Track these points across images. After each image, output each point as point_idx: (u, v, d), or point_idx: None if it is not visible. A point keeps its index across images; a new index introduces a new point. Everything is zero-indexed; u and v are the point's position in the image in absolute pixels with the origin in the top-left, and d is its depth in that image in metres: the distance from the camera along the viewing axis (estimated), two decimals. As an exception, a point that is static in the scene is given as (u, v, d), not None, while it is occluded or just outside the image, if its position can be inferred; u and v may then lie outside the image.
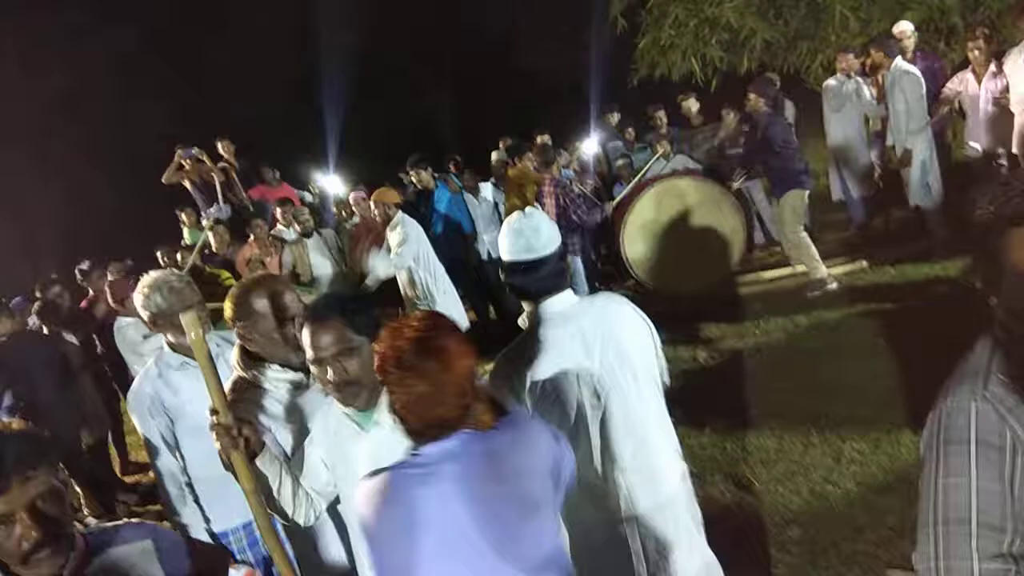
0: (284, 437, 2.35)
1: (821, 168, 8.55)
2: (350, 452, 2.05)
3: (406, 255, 5.92)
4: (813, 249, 6.53)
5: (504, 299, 7.18)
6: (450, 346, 1.62)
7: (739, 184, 7.23)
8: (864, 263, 6.83)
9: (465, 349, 1.65)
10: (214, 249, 7.28)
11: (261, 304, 2.36)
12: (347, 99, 13.06)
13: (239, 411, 2.12)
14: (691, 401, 4.59)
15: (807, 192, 6.63)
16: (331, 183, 9.59)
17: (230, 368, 2.52)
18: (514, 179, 6.60)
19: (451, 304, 6.07)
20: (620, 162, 8.03)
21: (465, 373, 1.64)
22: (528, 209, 2.31)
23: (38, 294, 6.74)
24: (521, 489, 1.63)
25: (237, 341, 2.47)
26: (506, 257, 2.24)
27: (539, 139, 7.78)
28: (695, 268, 7.08)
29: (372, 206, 6.22)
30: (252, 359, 2.41)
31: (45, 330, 5.92)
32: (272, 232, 7.32)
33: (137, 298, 2.89)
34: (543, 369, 2.15)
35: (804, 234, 6.59)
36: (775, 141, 6.39)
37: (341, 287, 6.61)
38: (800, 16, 9.12)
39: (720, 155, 7.82)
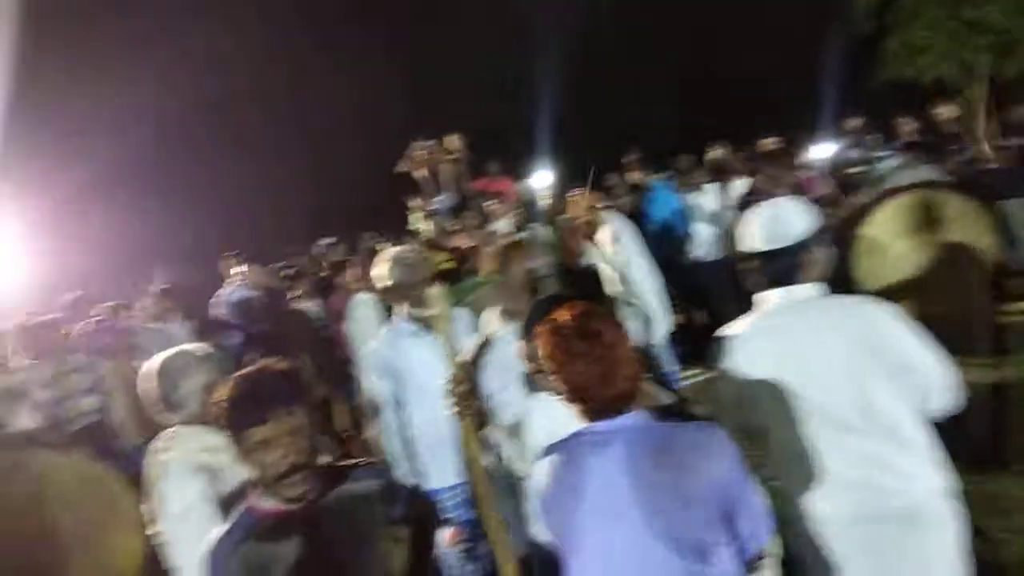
0: (515, 395, 2.43)
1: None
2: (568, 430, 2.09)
3: (619, 253, 5.90)
4: (1086, 278, 5.66)
5: (716, 304, 6.94)
6: (608, 330, 1.73)
7: (998, 201, 6.42)
8: None
9: (622, 332, 1.76)
10: (430, 237, 7.73)
11: (517, 265, 2.48)
12: (567, 95, 13.28)
13: (480, 373, 2.26)
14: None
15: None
16: (546, 179, 9.83)
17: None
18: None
19: (658, 306, 5.96)
20: (857, 170, 7.45)
21: (626, 354, 1.73)
22: (779, 199, 2.28)
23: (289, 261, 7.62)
24: (683, 484, 1.66)
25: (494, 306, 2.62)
26: (747, 245, 2.24)
27: (769, 143, 7.46)
28: (938, 291, 6.38)
29: (585, 204, 6.27)
30: (504, 317, 2.54)
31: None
32: (486, 225, 7.64)
33: (378, 270, 3.17)
34: (760, 355, 2.13)
35: (1077, 260, 5.74)
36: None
37: (551, 287, 6.73)
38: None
39: (976, 168, 7.00)
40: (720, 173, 7.37)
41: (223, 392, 1.82)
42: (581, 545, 1.72)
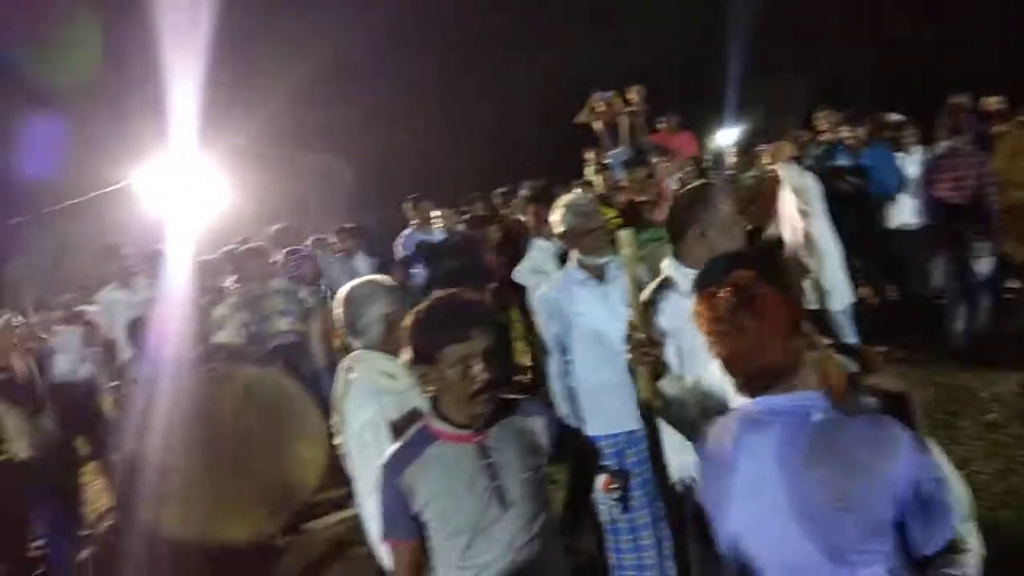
0: (690, 343, 2.38)
1: None
2: None
3: (803, 215, 5.57)
4: None
5: (908, 276, 6.40)
6: (765, 298, 1.62)
7: None
8: None
9: (782, 302, 1.63)
10: (600, 191, 7.67)
11: (706, 208, 2.42)
12: (757, 45, 12.52)
13: (656, 321, 2.25)
14: None
15: None
16: (730, 135, 9.45)
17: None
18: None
19: (836, 272, 5.59)
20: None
21: (784, 326, 1.61)
22: None
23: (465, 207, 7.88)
24: (842, 484, 1.51)
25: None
26: None
27: (992, 101, 6.68)
28: None
29: (769, 161, 5.97)
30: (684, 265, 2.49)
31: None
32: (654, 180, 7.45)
33: (554, 216, 3.23)
34: None
35: None
36: None
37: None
38: None
39: None
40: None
41: (423, 312, 1.93)
42: (728, 524, 1.66)
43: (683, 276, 2.41)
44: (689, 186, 2.62)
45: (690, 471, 2.42)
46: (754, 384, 1.65)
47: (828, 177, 6.11)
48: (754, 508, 1.60)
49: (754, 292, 1.63)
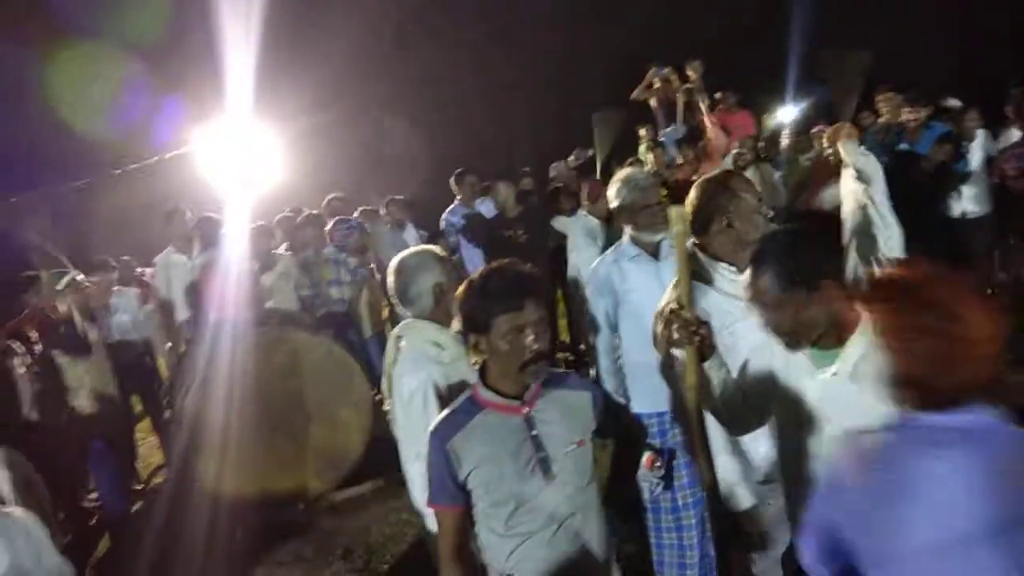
0: (727, 339, 2.35)
1: None
2: (798, 387, 2.00)
3: (863, 198, 5.40)
4: None
5: (974, 264, 6.17)
6: (955, 296, 1.38)
7: None
8: None
9: (977, 301, 1.38)
10: (653, 168, 7.55)
11: (730, 197, 2.38)
12: (819, 24, 12.10)
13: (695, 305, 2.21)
14: None
15: None
16: (789, 113, 9.19)
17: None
18: None
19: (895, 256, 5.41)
20: None
21: (983, 331, 1.36)
22: None
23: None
24: None
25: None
26: None
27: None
28: None
29: (827, 141, 5.79)
30: (710, 258, 2.46)
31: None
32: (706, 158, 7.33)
33: (610, 190, 3.19)
34: None
35: None
36: None
37: (783, 225, 6.34)
38: None
39: None
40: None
41: (476, 281, 1.94)
42: (889, 559, 1.41)
43: (720, 273, 2.37)
44: (709, 175, 2.56)
45: (732, 472, 2.38)
46: (939, 401, 1.39)
47: (906, 156, 5.89)
48: (940, 548, 1.36)
49: (948, 289, 1.40)
